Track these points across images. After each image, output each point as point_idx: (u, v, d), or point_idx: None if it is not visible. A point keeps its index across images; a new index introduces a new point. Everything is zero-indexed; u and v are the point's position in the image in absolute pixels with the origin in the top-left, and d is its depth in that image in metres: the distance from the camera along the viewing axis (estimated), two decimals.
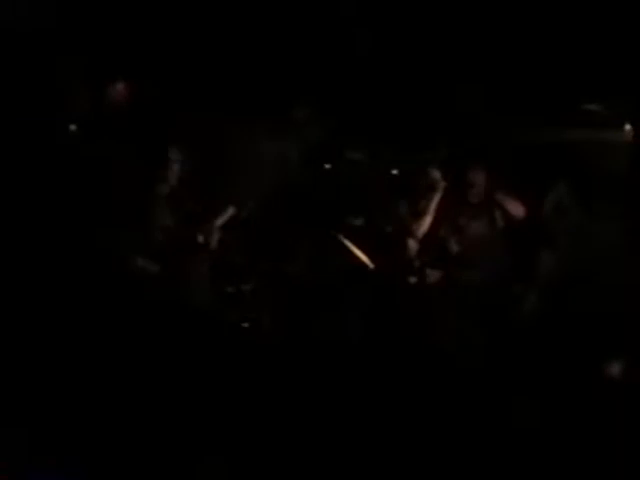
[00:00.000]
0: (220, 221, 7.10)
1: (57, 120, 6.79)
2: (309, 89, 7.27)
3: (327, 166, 7.84)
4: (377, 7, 6.45)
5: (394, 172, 7.83)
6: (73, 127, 7.02)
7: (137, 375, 5.84)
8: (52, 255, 6.38)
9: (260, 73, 7.10)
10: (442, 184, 7.44)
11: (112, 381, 5.82)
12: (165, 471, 5.23)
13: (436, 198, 7.44)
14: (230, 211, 7.19)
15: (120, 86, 6.92)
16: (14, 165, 6.52)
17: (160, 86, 6.98)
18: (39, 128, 6.63)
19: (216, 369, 6.14)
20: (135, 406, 5.66)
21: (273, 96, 7.25)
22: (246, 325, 6.93)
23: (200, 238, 6.94)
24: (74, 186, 6.59)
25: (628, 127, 7.65)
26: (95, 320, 6.18)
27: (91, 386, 5.74)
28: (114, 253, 6.55)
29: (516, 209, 7.18)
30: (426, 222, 7.43)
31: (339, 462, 5.43)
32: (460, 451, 5.47)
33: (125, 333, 6.14)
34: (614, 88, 7.24)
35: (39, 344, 5.88)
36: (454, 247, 7.39)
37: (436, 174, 7.52)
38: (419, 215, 7.50)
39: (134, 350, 6.04)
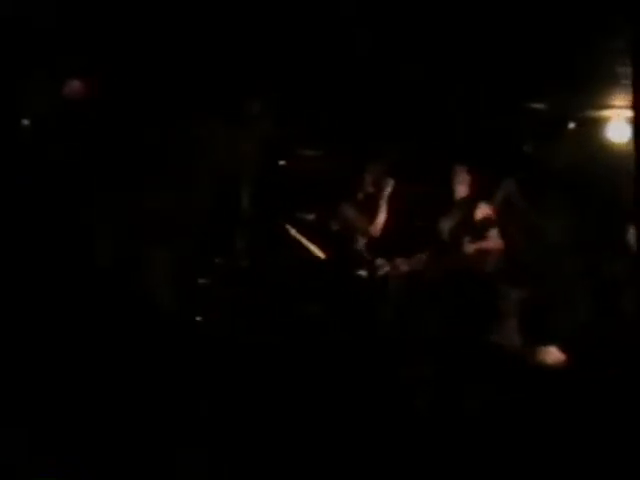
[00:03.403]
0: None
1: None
2: (264, 85, 7.32)
3: (281, 162, 7.96)
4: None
5: (345, 169, 7.96)
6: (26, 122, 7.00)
7: (97, 368, 5.84)
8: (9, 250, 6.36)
9: (215, 68, 7.12)
10: (391, 182, 7.63)
11: (69, 376, 5.80)
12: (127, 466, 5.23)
13: (385, 195, 7.62)
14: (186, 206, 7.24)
15: (78, 83, 6.92)
16: None
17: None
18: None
19: (171, 363, 6.15)
20: (94, 400, 5.65)
21: (228, 91, 7.28)
22: (200, 319, 6.98)
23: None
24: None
25: (572, 125, 7.89)
26: (55, 316, 6.16)
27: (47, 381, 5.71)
28: (73, 246, 6.56)
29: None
30: (375, 218, 7.61)
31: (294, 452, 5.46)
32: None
33: (85, 327, 6.13)
34: (559, 87, 7.42)
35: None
36: (404, 242, 7.56)
37: (385, 172, 7.70)
38: (367, 211, 7.67)
39: (94, 343, 6.04)
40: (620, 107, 7.73)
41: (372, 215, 7.66)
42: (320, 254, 7.46)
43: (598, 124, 7.97)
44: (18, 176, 6.64)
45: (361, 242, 7.71)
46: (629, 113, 7.71)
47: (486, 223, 7.18)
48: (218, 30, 6.61)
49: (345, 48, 6.78)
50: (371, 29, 6.49)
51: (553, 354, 5.66)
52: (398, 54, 6.89)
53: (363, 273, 7.50)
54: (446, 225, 7.42)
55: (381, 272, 7.42)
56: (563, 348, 5.80)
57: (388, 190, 7.65)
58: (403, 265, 7.38)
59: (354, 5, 6.22)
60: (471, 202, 7.33)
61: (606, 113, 7.90)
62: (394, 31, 6.57)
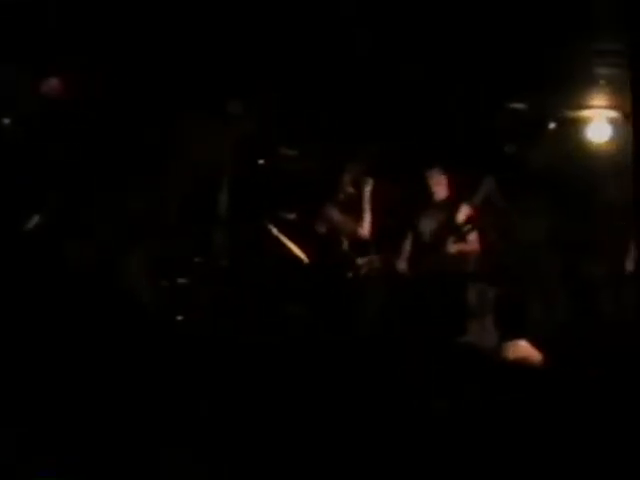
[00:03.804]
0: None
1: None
2: (245, 85, 7.31)
3: (260, 161, 7.95)
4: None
5: (325, 168, 7.95)
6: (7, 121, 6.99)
7: (80, 368, 5.82)
8: None
9: (197, 67, 7.11)
10: (370, 181, 7.62)
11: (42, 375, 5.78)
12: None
13: (367, 195, 7.62)
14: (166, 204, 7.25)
15: (56, 82, 6.90)
16: None
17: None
18: None
19: (149, 362, 6.13)
20: (78, 400, 5.64)
21: (209, 90, 7.27)
22: (180, 318, 6.97)
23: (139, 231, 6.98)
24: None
25: (552, 125, 7.91)
26: (30, 314, 6.14)
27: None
28: (49, 242, 6.54)
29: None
30: (362, 219, 7.60)
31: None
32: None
33: (61, 325, 6.11)
34: (539, 88, 7.44)
35: None
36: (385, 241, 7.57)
37: (364, 172, 7.70)
38: (351, 212, 7.67)
39: (70, 342, 6.02)
40: (600, 107, 7.77)
41: (356, 215, 7.63)
42: (301, 255, 7.45)
43: (578, 124, 8.00)
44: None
45: (345, 243, 7.70)
46: (609, 113, 7.80)
47: (469, 226, 7.17)
48: (212, 29, 6.62)
49: (334, 48, 6.79)
50: (372, 29, 6.51)
51: (523, 348, 5.61)
52: (382, 55, 6.91)
53: (348, 273, 7.50)
54: (427, 227, 7.42)
55: (362, 271, 7.43)
56: (537, 344, 5.78)
57: (369, 190, 7.62)
58: (377, 262, 7.40)
59: (353, 5, 6.24)
60: (452, 204, 7.33)
61: (586, 113, 7.93)
62: (393, 31, 6.60)
